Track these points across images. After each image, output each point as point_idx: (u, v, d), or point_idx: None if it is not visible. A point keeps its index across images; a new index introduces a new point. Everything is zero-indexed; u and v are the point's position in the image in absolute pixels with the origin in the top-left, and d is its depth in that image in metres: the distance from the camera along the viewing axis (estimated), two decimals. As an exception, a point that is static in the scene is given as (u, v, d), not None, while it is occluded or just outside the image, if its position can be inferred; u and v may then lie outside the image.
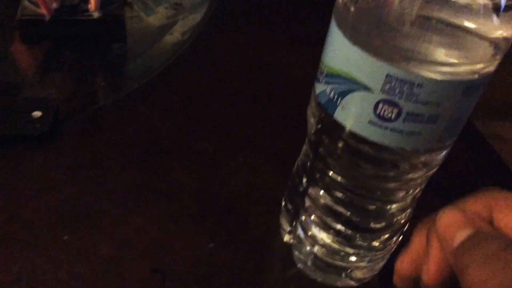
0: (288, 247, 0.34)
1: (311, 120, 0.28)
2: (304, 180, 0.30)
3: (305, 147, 0.31)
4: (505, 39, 0.21)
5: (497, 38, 0.21)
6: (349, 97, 0.23)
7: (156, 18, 0.57)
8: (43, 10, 0.46)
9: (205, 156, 0.41)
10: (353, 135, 0.24)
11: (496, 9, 0.21)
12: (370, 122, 0.23)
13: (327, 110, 0.25)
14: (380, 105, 0.22)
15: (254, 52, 0.54)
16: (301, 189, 0.31)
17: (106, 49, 0.50)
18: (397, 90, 0.21)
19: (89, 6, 0.47)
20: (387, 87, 0.21)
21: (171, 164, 0.40)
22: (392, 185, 0.27)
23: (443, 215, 0.23)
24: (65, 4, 0.48)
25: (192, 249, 0.34)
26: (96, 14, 0.48)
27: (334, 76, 0.23)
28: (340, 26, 0.23)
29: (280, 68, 0.52)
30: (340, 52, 0.23)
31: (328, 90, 0.24)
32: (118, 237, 0.34)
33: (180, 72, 0.49)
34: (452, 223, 0.23)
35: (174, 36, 0.55)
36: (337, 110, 0.24)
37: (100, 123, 0.42)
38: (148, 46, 0.53)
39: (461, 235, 0.22)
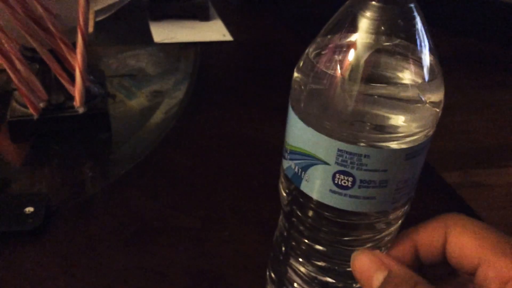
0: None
1: (282, 192, 0.30)
2: (283, 249, 0.32)
3: (280, 217, 0.33)
4: (433, 103, 0.24)
5: (427, 106, 0.24)
6: (310, 170, 0.26)
7: (138, 101, 0.61)
8: (31, 111, 0.50)
9: (193, 232, 0.43)
10: (320, 204, 0.26)
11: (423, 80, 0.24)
12: (331, 190, 0.25)
13: (294, 183, 0.27)
14: (337, 175, 0.25)
15: (233, 126, 0.57)
16: (281, 258, 0.32)
17: (92, 140, 0.53)
18: (348, 162, 0.24)
19: (74, 103, 0.51)
20: (340, 159, 0.24)
21: (160, 243, 0.41)
22: (367, 245, 0.29)
23: (355, 260, 0.25)
24: (52, 103, 0.51)
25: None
26: (81, 110, 0.51)
27: (296, 153, 0.26)
28: (294, 108, 0.26)
29: (259, 139, 0.55)
30: (298, 132, 0.26)
31: (293, 165, 0.27)
32: (114, 321, 0.35)
33: (164, 154, 0.52)
34: (366, 267, 0.24)
35: (158, 116, 0.58)
36: (302, 182, 0.26)
37: (90, 211, 0.44)
38: (132, 130, 0.56)
39: (378, 279, 0.24)
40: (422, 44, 0.24)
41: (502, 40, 1.82)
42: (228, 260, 0.40)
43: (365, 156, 0.24)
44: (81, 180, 0.48)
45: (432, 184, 0.50)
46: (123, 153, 0.53)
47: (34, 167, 0.49)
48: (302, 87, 0.26)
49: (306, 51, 0.27)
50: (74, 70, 0.49)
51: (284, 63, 0.70)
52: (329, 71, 0.24)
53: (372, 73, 0.24)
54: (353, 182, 0.25)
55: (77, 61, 0.48)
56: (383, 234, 0.28)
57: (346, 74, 0.24)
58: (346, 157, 0.24)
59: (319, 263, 0.30)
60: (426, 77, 0.24)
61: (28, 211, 0.41)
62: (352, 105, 0.24)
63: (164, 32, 0.78)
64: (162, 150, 0.53)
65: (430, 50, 0.25)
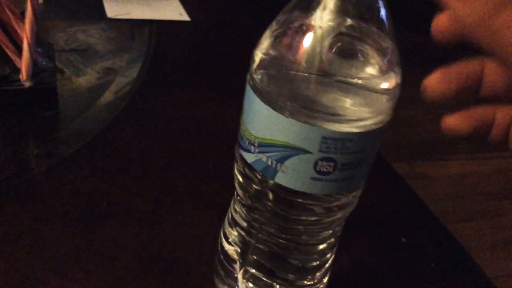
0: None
1: (240, 180, 0.30)
2: (235, 232, 0.32)
3: (232, 202, 0.32)
4: (389, 90, 0.25)
5: (385, 90, 0.24)
6: (288, 161, 0.25)
7: (86, 79, 0.58)
8: (-28, 82, 0.46)
9: (145, 215, 0.41)
10: (286, 190, 0.26)
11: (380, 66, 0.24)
12: (312, 178, 0.25)
13: (266, 176, 0.26)
14: (320, 163, 0.25)
15: (188, 108, 0.56)
16: (230, 239, 0.32)
17: (38, 116, 0.50)
18: (332, 148, 0.24)
19: (20, 76, 0.48)
20: (324, 146, 0.24)
21: (110, 225, 0.40)
22: (321, 226, 0.29)
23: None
24: (-5, 75, 0.48)
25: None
26: (27, 84, 0.48)
27: (268, 146, 0.25)
28: (264, 98, 0.25)
29: (214, 122, 0.54)
30: (271, 123, 0.25)
31: (264, 158, 0.26)
32: (59, 306, 0.34)
33: (115, 134, 0.50)
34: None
35: (107, 97, 0.56)
36: (278, 174, 0.26)
37: (35, 190, 0.42)
38: (81, 108, 0.53)
39: None
40: (384, 30, 0.24)
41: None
42: (181, 244, 0.39)
43: (349, 140, 0.24)
44: (26, 158, 0.45)
45: (383, 173, 0.51)
46: (71, 132, 0.50)
47: (-25, 143, 0.46)
48: (263, 69, 0.25)
49: (267, 30, 0.26)
50: (21, 41, 0.46)
51: (242, 45, 0.69)
52: (289, 54, 0.24)
53: (330, 57, 0.24)
54: (335, 167, 0.25)
55: (26, 31, 0.45)
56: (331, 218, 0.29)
57: (305, 57, 0.24)
58: (330, 143, 0.24)
59: (273, 244, 0.30)
60: (384, 64, 0.24)
61: (-33, 189, 0.39)
62: (308, 88, 0.24)
63: (118, 8, 0.75)
64: (113, 130, 0.51)
65: (391, 37, 0.25)
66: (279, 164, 0.25)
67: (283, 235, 0.29)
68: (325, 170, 0.25)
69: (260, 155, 0.26)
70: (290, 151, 0.25)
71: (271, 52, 0.25)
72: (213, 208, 0.43)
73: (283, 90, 0.25)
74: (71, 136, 0.49)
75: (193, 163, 0.48)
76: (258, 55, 0.26)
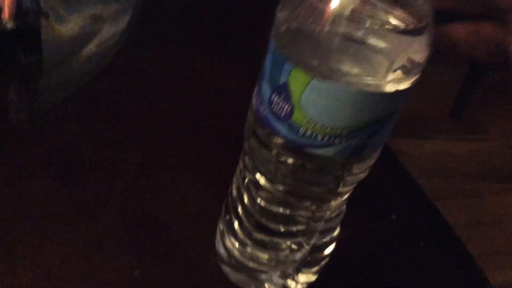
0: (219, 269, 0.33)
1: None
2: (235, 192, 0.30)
3: (241, 163, 0.31)
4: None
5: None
6: (379, 132, 0.25)
7: (67, 28, 0.55)
8: (-51, 19, 0.43)
9: (131, 173, 0.40)
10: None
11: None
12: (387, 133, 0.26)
13: (352, 156, 0.25)
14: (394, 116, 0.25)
15: (182, 64, 0.53)
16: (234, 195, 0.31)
17: (20, 62, 0.47)
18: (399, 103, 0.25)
19: (2, 15, 0.44)
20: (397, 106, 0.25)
21: (94, 180, 0.38)
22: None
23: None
24: (-25, 13, 0.44)
25: (117, 278, 0.32)
26: (10, 25, 0.45)
27: (360, 129, 0.24)
28: (344, 82, 0.23)
29: (209, 80, 0.51)
30: (368, 105, 0.23)
31: (353, 143, 0.24)
32: (38, 267, 0.32)
33: (104, 85, 0.48)
34: None
35: (93, 46, 0.53)
36: (366, 148, 0.25)
37: (15, 140, 0.40)
38: (65, 56, 0.50)
39: None
40: None
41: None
42: (168, 205, 0.38)
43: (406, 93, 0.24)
44: (6, 105, 0.43)
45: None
46: (55, 80, 0.48)
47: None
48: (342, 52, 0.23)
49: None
50: (4, -23, 0.43)
51: (248, 1, 0.66)
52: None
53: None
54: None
55: (10, -33, 0.42)
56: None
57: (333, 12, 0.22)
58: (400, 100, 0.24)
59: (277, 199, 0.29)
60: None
61: None
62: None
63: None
64: (100, 81, 0.48)
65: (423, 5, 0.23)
66: (370, 139, 0.24)
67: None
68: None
69: (349, 142, 0.24)
70: (385, 119, 0.24)
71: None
72: (202, 171, 0.41)
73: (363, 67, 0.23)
74: (54, 85, 0.47)
75: (184, 122, 0.46)
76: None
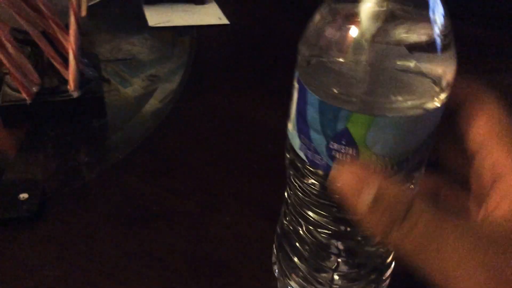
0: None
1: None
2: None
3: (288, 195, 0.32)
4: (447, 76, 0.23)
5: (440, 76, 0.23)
6: (422, 149, 0.25)
7: (132, 89, 0.60)
8: (24, 95, 0.48)
9: (193, 217, 0.42)
10: None
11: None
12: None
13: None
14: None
15: (231, 110, 0.56)
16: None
17: (87, 125, 0.52)
18: None
19: (68, 86, 0.49)
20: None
21: (159, 228, 0.40)
22: None
23: (337, 177, 0.21)
24: (45, 87, 0.49)
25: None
26: (75, 94, 0.49)
27: (409, 158, 0.24)
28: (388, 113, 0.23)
29: (255, 121, 0.53)
30: (417, 131, 0.23)
31: (415, 161, 0.25)
32: (113, 309, 0.34)
33: (161, 139, 0.51)
34: (351, 185, 0.21)
35: (152, 104, 0.57)
36: (409, 164, 0.25)
37: (86, 197, 0.43)
38: (128, 116, 0.54)
39: (367, 199, 0.20)
40: (437, 13, 0.23)
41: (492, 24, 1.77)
42: (230, 246, 0.39)
43: None
44: (77, 166, 0.47)
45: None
46: (119, 139, 0.51)
47: (28, 154, 0.48)
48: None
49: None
50: (67, 52, 0.48)
51: (282, 46, 0.69)
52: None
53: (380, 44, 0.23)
54: None
55: (70, 42, 0.46)
56: None
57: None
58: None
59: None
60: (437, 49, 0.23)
61: (23, 197, 0.40)
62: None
63: (159, 16, 0.76)
64: (159, 135, 0.51)
65: (445, 20, 0.23)
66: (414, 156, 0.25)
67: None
68: None
69: (413, 160, 0.24)
70: (427, 142, 0.24)
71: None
72: (258, 208, 0.42)
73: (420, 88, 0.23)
74: (119, 143, 0.50)
75: (238, 164, 0.48)
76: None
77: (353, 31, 0.23)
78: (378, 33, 0.23)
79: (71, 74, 0.48)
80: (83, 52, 0.50)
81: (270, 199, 0.43)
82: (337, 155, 0.24)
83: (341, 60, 0.23)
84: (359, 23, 0.23)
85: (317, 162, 0.25)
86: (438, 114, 0.24)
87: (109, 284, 0.36)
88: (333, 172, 0.22)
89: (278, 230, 0.34)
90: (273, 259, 0.35)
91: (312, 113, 0.24)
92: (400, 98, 0.23)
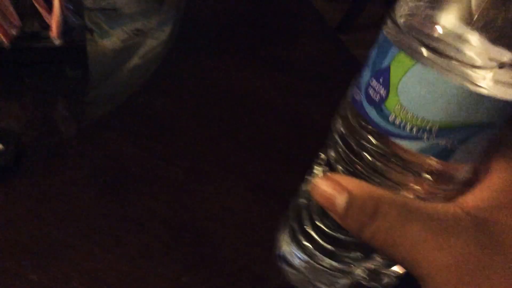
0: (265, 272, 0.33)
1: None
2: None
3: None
4: None
5: None
6: (471, 140, 0.23)
7: (111, 41, 0.56)
8: (2, 37, 0.45)
9: (176, 183, 0.40)
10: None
11: None
12: (483, 151, 0.24)
13: (437, 157, 0.24)
14: (495, 134, 0.23)
15: (220, 76, 0.54)
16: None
17: (67, 76, 0.49)
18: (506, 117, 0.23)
19: (50, 33, 0.46)
20: (506, 119, 0.23)
21: (140, 191, 0.39)
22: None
23: (314, 190, 0.24)
24: (25, 31, 0.46)
25: (165, 283, 0.33)
26: (57, 41, 0.47)
27: (452, 129, 0.23)
28: (451, 74, 0.22)
29: (247, 91, 0.52)
30: (466, 104, 0.22)
31: (442, 142, 0.23)
32: (88, 274, 0.33)
33: (146, 98, 0.49)
34: (326, 195, 0.23)
35: (135, 61, 0.55)
36: (454, 155, 0.23)
37: (64, 153, 0.41)
38: (109, 70, 0.52)
39: (341, 205, 0.23)
40: None
41: None
42: (212, 215, 0.38)
43: None
44: (55, 119, 0.44)
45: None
46: (101, 94, 0.49)
47: (4, 101, 0.45)
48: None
49: None
50: (52, -3, 0.45)
51: (277, 13, 0.67)
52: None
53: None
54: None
55: (57, -14, 0.43)
56: None
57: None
58: (509, 113, 0.22)
59: None
60: None
61: (-3, 147, 0.38)
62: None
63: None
64: (144, 94, 0.49)
65: None
66: (459, 145, 0.23)
67: None
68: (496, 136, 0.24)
69: (437, 141, 0.23)
70: (474, 129, 0.22)
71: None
72: (244, 181, 0.41)
73: (479, 57, 0.22)
74: (101, 99, 0.48)
75: (225, 133, 0.46)
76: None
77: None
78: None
79: (54, 20, 0.45)
80: (68, -3, 0.47)
81: (255, 171, 0.42)
82: (371, 93, 0.24)
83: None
84: None
85: (356, 98, 0.25)
86: (490, 107, 0.22)
87: (85, 245, 0.35)
88: (310, 188, 0.25)
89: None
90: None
91: (373, 50, 0.24)
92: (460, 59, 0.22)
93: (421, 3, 0.23)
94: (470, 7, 0.21)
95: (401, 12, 0.24)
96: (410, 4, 0.23)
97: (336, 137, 0.27)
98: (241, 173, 0.42)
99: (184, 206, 0.39)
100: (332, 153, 0.28)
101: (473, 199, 0.23)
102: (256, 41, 0.62)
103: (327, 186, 0.23)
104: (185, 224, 0.37)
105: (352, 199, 0.23)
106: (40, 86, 0.47)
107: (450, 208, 0.23)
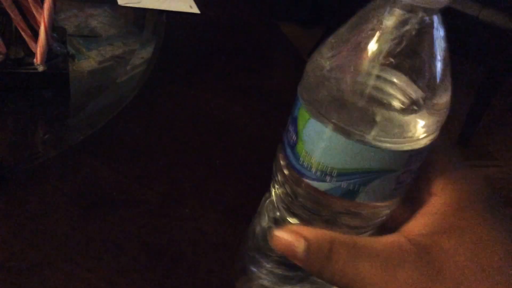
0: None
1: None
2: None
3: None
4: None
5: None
6: (372, 183, 0.25)
7: (86, 62, 0.59)
8: (-14, 63, 0.47)
9: (153, 206, 0.42)
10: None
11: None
12: (394, 189, 0.26)
13: (345, 198, 0.26)
14: (402, 176, 0.25)
15: (196, 103, 0.57)
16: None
17: (49, 101, 0.51)
18: (416, 161, 0.25)
19: (34, 60, 0.48)
20: (409, 162, 0.25)
21: (118, 214, 0.41)
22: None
23: (273, 240, 0.26)
24: (10, 57, 0.48)
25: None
26: (41, 68, 0.48)
27: (349, 174, 0.25)
28: (340, 131, 0.24)
29: (223, 119, 0.55)
30: (353, 153, 0.25)
31: (344, 185, 0.26)
32: (69, 291, 0.34)
33: (124, 124, 0.51)
34: (284, 244, 0.25)
35: (117, 84, 0.57)
36: (359, 195, 0.26)
37: (45, 176, 0.43)
38: (90, 95, 0.54)
39: (300, 252, 0.25)
40: (436, 56, 0.24)
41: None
42: (187, 238, 0.40)
43: (427, 151, 0.25)
44: (36, 143, 0.46)
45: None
46: (81, 119, 0.51)
47: (-14, 124, 0.47)
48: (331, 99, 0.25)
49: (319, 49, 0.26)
50: (37, 25, 0.47)
51: (250, 43, 0.70)
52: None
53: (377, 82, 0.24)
54: (415, 175, 0.26)
55: (44, 17, 0.45)
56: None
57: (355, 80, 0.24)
58: (415, 158, 0.25)
59: None
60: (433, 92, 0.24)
61: (-20, 170, 0.39)
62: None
63: (129, -4, 0.75)
64: (122, 119, 0.51)
65: (444, 63, 0.24)
66: (361, 187, 0.25)
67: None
68: (406, 180, 0.26)
69: (339, 183, 0.26)
70: (373, 174, 0.25)
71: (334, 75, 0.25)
72: (219, 205, 0.44)
73: (360, 117, 0.24)
74: (81, 123, 0.50)
75: (200, 158, 0.49)
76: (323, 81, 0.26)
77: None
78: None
79: (39, 48, 0.47)
80: (53, 26, 0.49)
81: (229, 195, 0.45)
82: (288, 136, 0.27)
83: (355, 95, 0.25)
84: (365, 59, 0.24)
85: (282, 138, 0.28)
86: (384, 158, 0.25)
87: (65, 265, 0.36)
88: (270, 239, 0.26)
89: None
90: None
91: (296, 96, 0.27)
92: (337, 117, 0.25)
93: (322, 60, 0.26)
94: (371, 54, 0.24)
95: (310, 67, 0.27)
96: (316, 62, 0.26)
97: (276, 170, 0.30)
98: (215, 197, 0.44)
99: (161, 229, 0.40)
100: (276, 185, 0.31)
101: (417, 225, 0.25)
102: (231, 70, 0.65)
103: (287, 235, 0.25)
104: (162, 246, 0.39)
105: (309, 244, 0.25)
106: (22, 111, 0.49)
107: (395, 239, 0.25)
